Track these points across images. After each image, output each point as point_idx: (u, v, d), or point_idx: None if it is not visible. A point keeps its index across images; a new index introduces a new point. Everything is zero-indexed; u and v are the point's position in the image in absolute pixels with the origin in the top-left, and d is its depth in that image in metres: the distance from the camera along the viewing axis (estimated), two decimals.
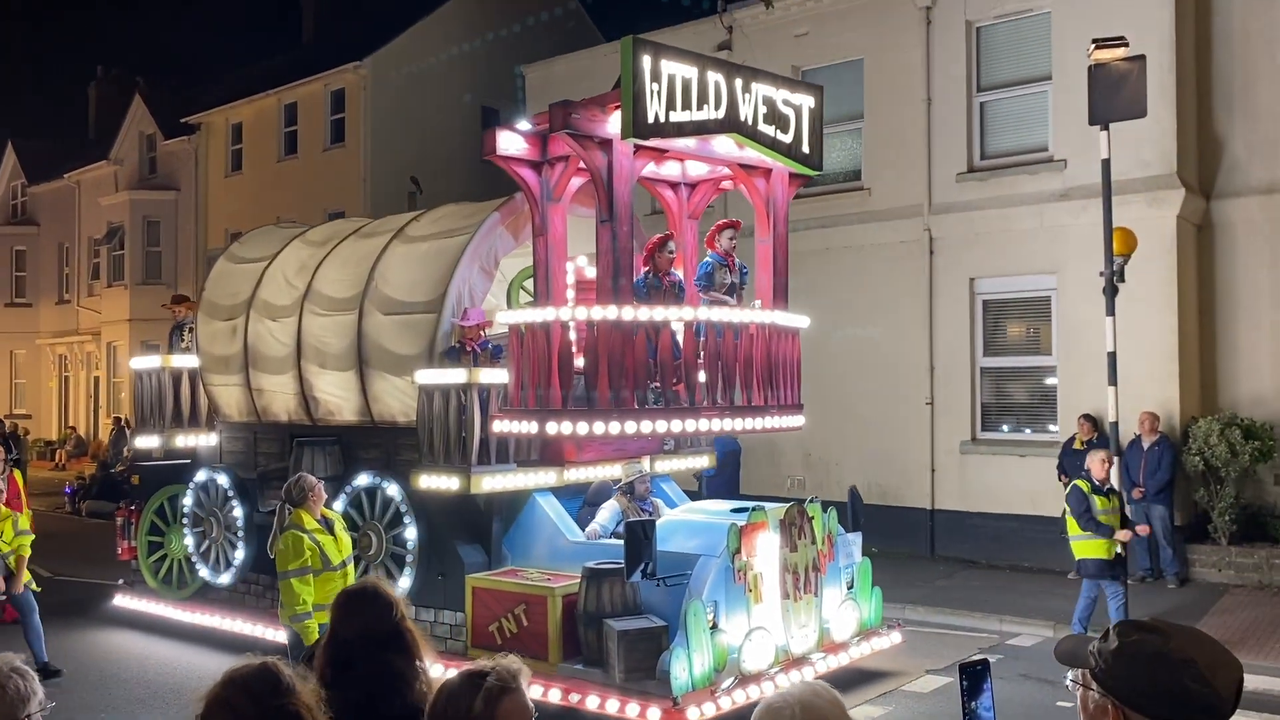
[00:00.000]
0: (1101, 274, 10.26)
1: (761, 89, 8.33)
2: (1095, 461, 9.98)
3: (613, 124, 7.77)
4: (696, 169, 9.43)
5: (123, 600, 11.29)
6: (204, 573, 10.51)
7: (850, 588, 8.80)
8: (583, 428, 7.73)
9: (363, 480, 8.99)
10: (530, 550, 8.66)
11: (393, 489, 8.77)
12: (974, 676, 2.36)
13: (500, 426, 8.19)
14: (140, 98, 30.28)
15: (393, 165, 23.41)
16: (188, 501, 10.64)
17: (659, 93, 7.56)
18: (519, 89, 20.99)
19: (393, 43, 24.16)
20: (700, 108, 7.83)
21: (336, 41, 27.25)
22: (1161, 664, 1.93)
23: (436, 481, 8.35)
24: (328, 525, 7.15)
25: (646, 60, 7.47)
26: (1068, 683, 2.10)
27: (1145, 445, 12.36)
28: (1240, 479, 12.47)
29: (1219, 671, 1.95)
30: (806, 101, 8.72)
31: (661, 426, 7.96)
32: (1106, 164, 10.07)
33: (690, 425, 8.16)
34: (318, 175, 24.98)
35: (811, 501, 8.46)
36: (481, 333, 8.72)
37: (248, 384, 10.41)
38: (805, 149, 8.76)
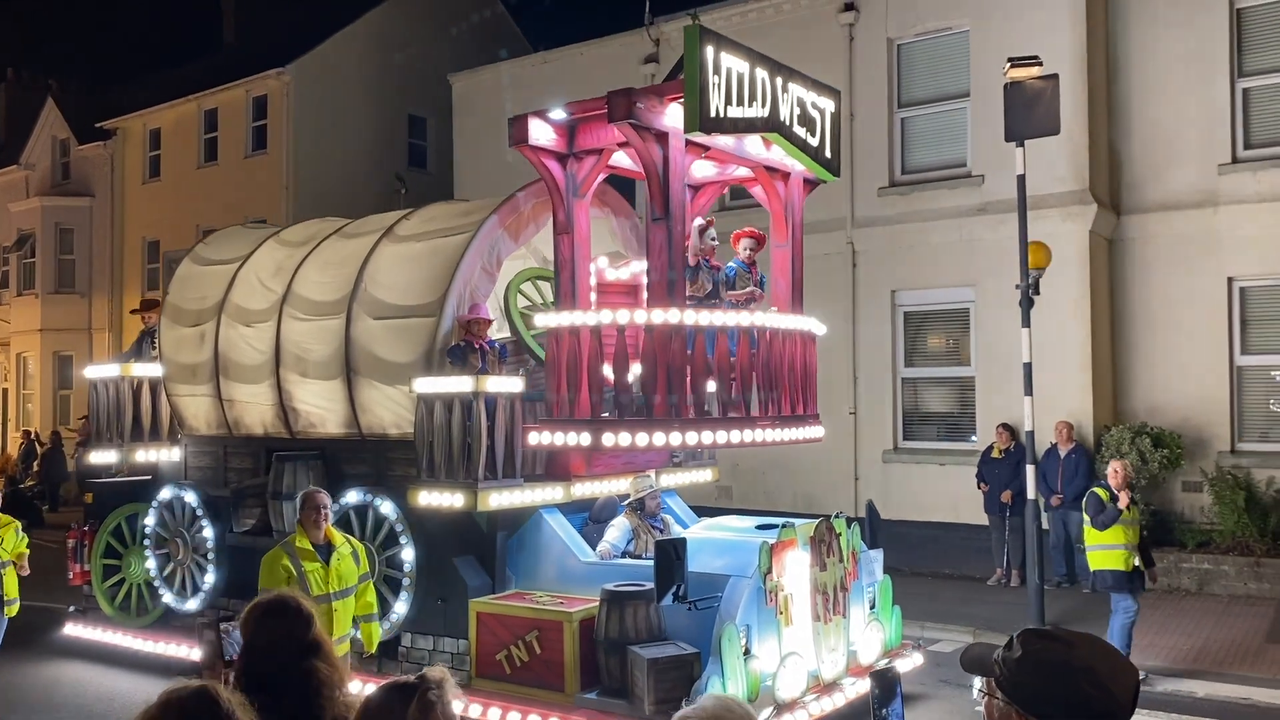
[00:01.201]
0: (1017, 287, 10.53)
1: (795, 89, 7.92)
2: (1110, 470, 9.74)
3: (670, 116, 7.29)
4: (703, 170, 8.97)
5: (74, 629, 10.42)
6: (168, 598, 9.73)
7: (872, 607, 8.37)
8: (642, 439, 7.20)
9: (352, 498, 8.31)
10: (536, 571, 8.07)
11: (386, 506, 8.12)
12: (885, 683, 2.48)
13: (538, 438, 7.60)
14: (53, 101, 29.17)
15: (317, 173, 23.09)
16: (150, 521, 9.85)
17: (719, 86, 7.10)
18: (446, 98, 20.93)
19: (317, 49, 23.73)
20: (750, 104, 7.39)
21: (259, 47, 26.69)
22: (1063, 671, 1.99)
23: (438, 498, 7.72)
24: (324, 552, 6.45)
25: (709, 51, 7.01)
26: (975, 694, 2.15)
27: (1062, 454, 12.77)
28: (1150, 486, 12.82)
29: (1117, 677, 2.00)
30: (829, 105, 8.36)
31: (721, 438, 7.46)
32: (1022, 180, 10.37)
33: (746, 436, 7.67)
34: (239, 183, 24.41)
35: (837, 517, 8.02)
36: (487, 330, 8.14)
37: (218, 394, 9.67)
38: (828, 153, 8.37)
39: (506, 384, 7.81)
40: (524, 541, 8.17)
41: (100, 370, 10.68)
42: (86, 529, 10.59)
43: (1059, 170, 13.21)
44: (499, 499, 7.69)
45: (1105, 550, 9.55)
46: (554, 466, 8.33)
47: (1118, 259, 13.92)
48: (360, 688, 6.44)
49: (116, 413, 10.30)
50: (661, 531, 8.54)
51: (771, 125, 7.72)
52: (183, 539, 9.56)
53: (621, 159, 8.22)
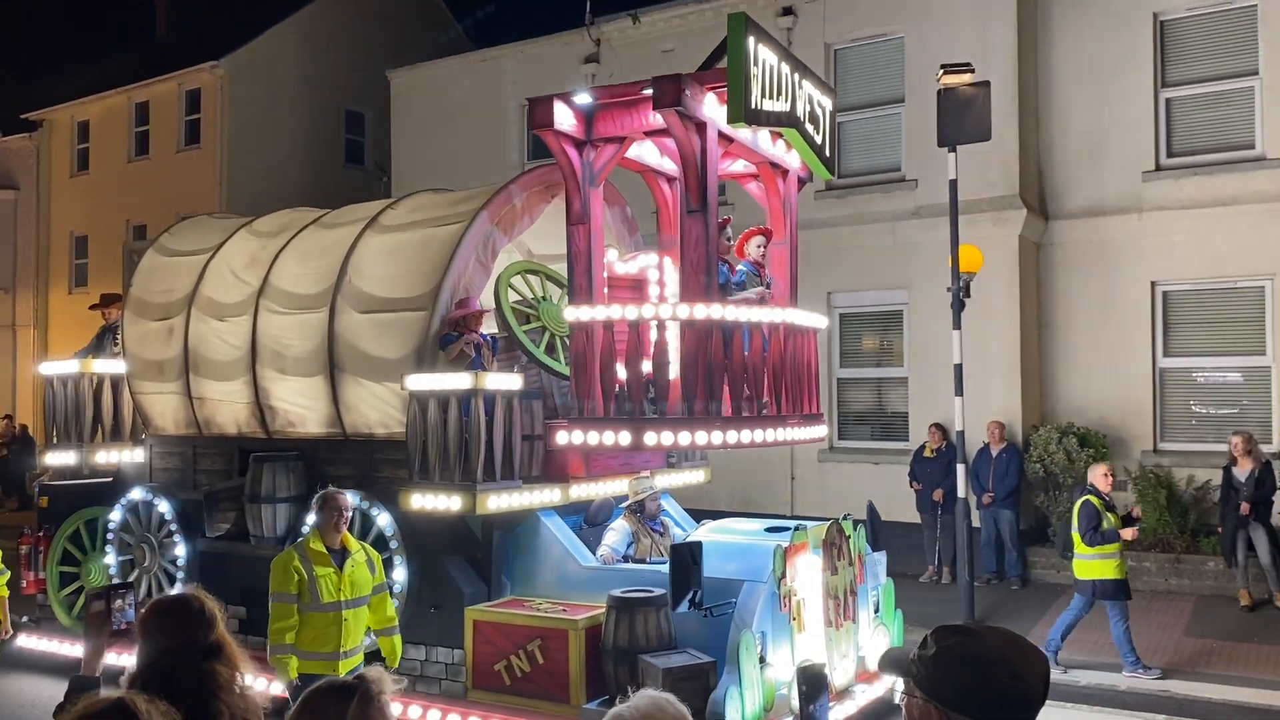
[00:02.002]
0: (949, 289, 10.74)
1: (807, 85, 7.70)
2: (1098, 475, 9.63)
3: (708, 106, 7.00)
4: None
5: (27, 640, 9.83)
6: (130, 609, 9.18)
7: (876, 610, 8.17)
8: (684, 438, 6.89)
9: None
10: (534, 577, 7.72)
11: (374, 511, 7.71)
12: (812, 681, 2.71)
13: (567, 438, 7.25)
14: None
15: (252, 169, 22.67)
16: (113, 526, 9.32)
17: (758, 77, 6.85)
18: (385, 93, 20.77)
19: (252, 43, 23.34)
20: (777, 98, 7.15)
21: (191, 39, 26.18)
22: (977, 664, 2.03)
23: (432, 501, 7.34)
24: (338, 558, 6.06)
25: (751, 42, 6.74)
26: (897, 698, 2.19)
27: (993, 453, 12.90)
28: (1076, 485, 12.97)
29: (1030, 667, 2.04)
30: (828, 104, 8.16)
31: (759, 437, 7.19)
32: (954, 184, 10.66)
33: (780, 435, 7.42)
34: (171, 177, 23.87)
35: (845, 519, 7.79)
36: (480, 324, 7.78)
37: (187, 392, 9.17)
38: (827, 152, 8.17)
39: (506, 381, 7.46)
40: (520, 546, 7.82)
41: (57, 367, 10.10)
42: (41, 534, 10.01)
43: (990, 175, 13.49)
44: (498, 501, 7.33)
45: (1099, 560, 9.44)
46: (550, 467, 7.98)
47: (1046, 263, 14.33)
48: (265, 685, 6.04)
49: (76, 412, 9.74)
50: (662, 534, 8.25)
51: (793, 120, 7.51)
52: (150, 545, 9.05)
53: (630, 150, 7.95)
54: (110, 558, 9.33)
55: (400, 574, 7.54)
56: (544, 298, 9.11)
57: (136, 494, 9.20)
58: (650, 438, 7.03)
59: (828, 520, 7.62)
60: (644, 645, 6.70)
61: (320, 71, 23.88)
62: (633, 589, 6.96)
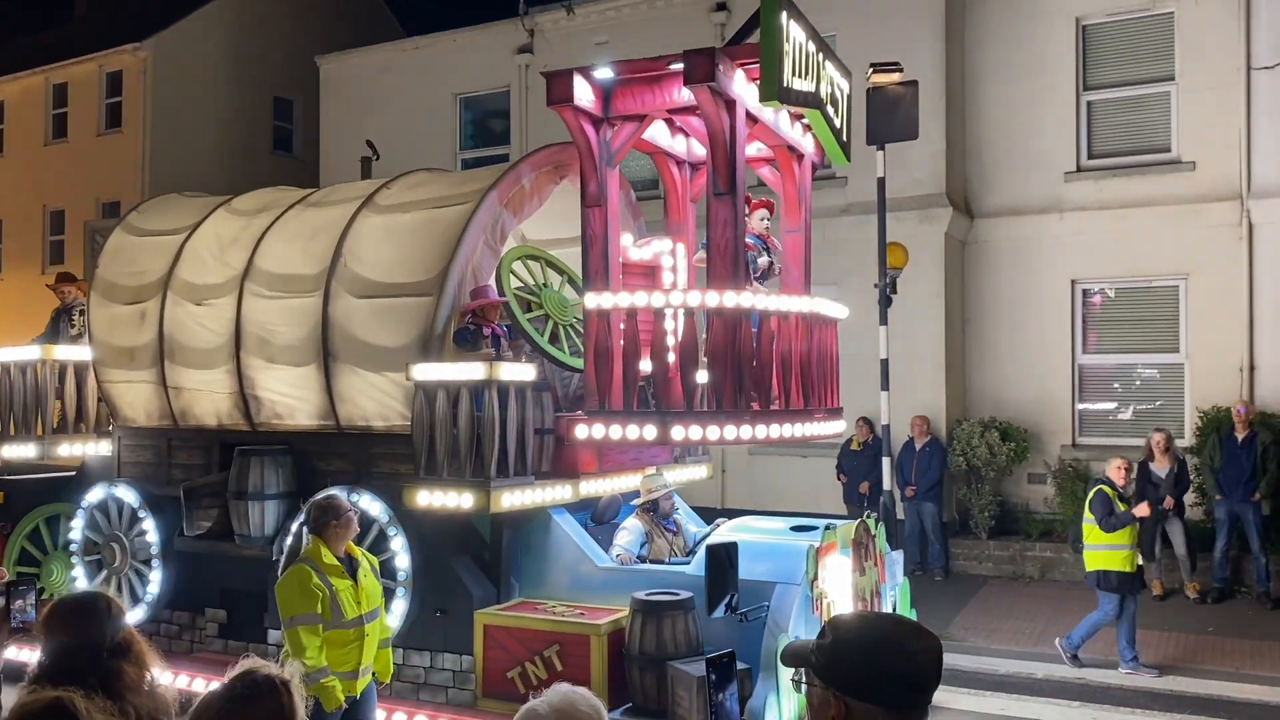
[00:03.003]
0: (876, 285, 11.07)
1: (830, 67, 7.37)
2: (1113, 468, 9.59)
3: (737, 83, 6.63)
4: (701, 149, 8.36)
5: None
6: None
7: (893, 609, 7.91)
8: (713, 433, 6.52)
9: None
10: (544, 578, 7.32)
11: (376, 508, 7.24)
12: (721, 669, 2.86)
13: (585, 433, 6.84)
14: None
15: (176, 154, 22.09)
16: (78, 524, 8.70)
17: (790, 55, 6.48)
18: (314, 80, 20.48)
19: (176, 25, 22.71)
20: (805, 78, 6.80)
21: (113, 20, 25.41)
22: (871, 649, 2.07)
23: (441, 499, 6.89)
24: (350, 567, 5.62)
25: (784, 17, 6.38)
26: (802, 689, 2.19)
27: (918, 447, 13.35)
28: (998, 478, 13.73)
29: (923, 651, 2.08)
30: (846, 86, 7.86)
31: (786, 432, 6.86)
32: (881, 182, 11.03)
33: (808, 430, 7.10)
34: (90, 161, 23.19)
35: (869, 517, 7.51)
36: (497, 314, 7.35)
37: (162, 381, 8.58)
38: (844, 136, 7.86)
39: (520, 371, 7.04)
40: (530, 545, 7.41)
41: (13, 353, 9.41)
42: None
43: (917, 174, 13.80)
44: (511, 499, 6.90)
45: (1110, 550, 9.36)
46: (560, 463, 7.58)
47: (970, 260, 14.76)
48: (171, 679, 5.60)
49: (35, 401, 9.08)
50: (675, 534, 7.90)
51: (817, 101, 7.18)
52: (120, 543, 8.46)
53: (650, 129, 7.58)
54: (74, 557, 8.71)
55: (402, 575, 7.09)
56: (545, 284, 8.70)
57: (105, 489, 8.60)
58: (678, 432, 6.68)
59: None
60: (671, 651, 6.35)
61: (248, 56, 23.31)
62: (655, 591, 6.60)
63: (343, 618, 5.44)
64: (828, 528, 6.94)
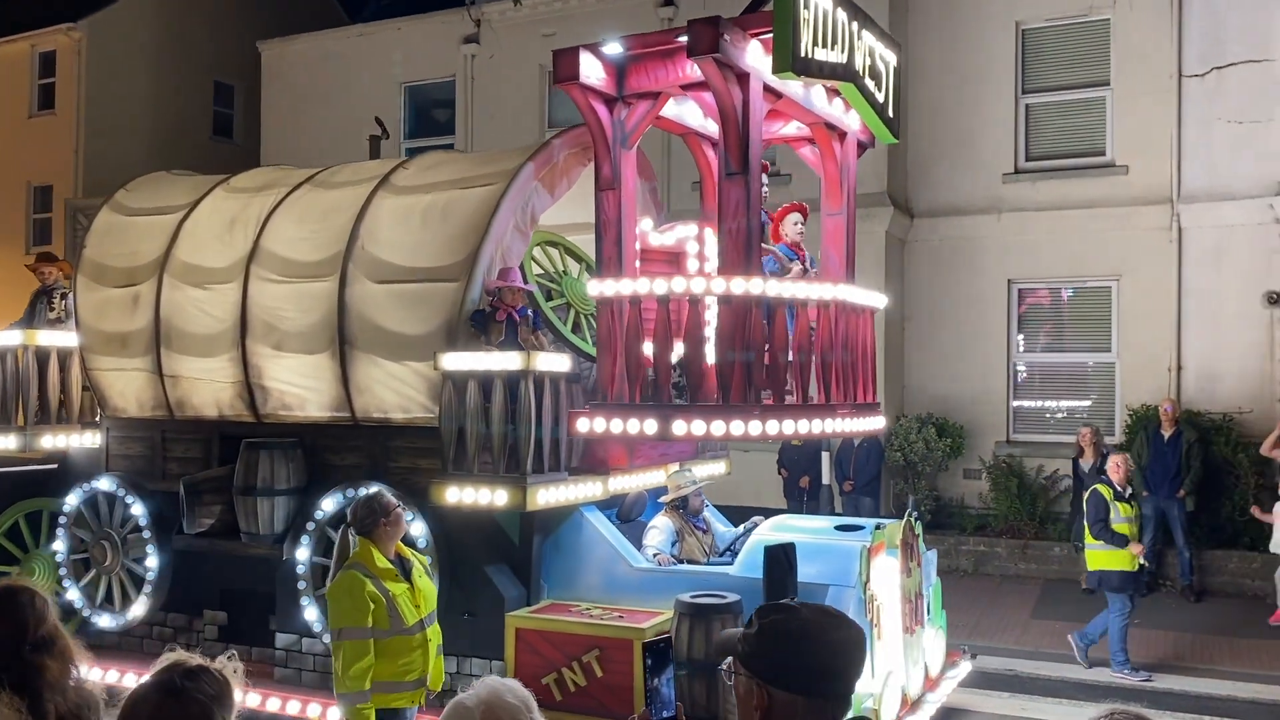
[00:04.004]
0: None
1: (868, 37, 7.03)
2: (1110, 465, 9.47)
3: (751, 55, 6.27)
4: None
5: None
6: (87, 612, 8.10)
7: (928, 611, 7.68)
8: (718, 428, 6.18)
9: (355, 494, 6.98)
10: (576, 579, 6.97)
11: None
12: (657, 654, 2.78)
13: (588, 425, 6.48)
14: None
15: (112, 137, 21.39)
16: (64, 520, 8.18)
17: (809, 22, 6.13)
18: (256, 65, 20.08)
19: (112, 5, 21.91)
20: (832, 47, 6.45)
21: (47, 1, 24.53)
22: (796, 639, 2.11)
23: (473, 495, 6.52)
24: (404, 569, 5.24)
25: None
26: (728, 679, 2.24)
27: (856, 442, 13.24)
28: (934, 473, 13.89)
29: (845, 641, 2.13)
30: (892, 59, 7.50)
31: (803, 428, 6.53)
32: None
33: (827, 426, 6.78)
34: (22, 143, 22.37)
35: (911, 515, 7.25)
36: (519, 299, 6.97)
37: (157, 369, 8.08)
38: (890, 112, 7.55)
39: (556, 362, 6.68)
40: (559, 545, 7.06)
41: None
42: None
43: (859, 172, 13.95)
44: (547, 495, 6.56)
45: (1108, 550, 9.24)
46: (589, 458, 7.24)
47: (910, 259, 14.92)
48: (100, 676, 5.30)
49: (16, 389, 8.52)
50: (705, 532, 7.60)
51: (849, 74, 6.83)
52: (111, 541, 7.96)
53: (666, 108, 7.23)
54: (60, 555, 8.19)
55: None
56: (564, 272, 8.35)
57: (95, 483, 8.09)
58: (679, 427, 6.29)
59: (896, 519, 7.08)
60: (720, 657, 6.04)
61: (187, 40, 22.60)
62: (700, 594, 6.29)
63: (404, 624, 5.06)
64: (878, 527, 6.67)
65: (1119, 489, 9.30)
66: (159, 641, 7.96)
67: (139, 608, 7.88)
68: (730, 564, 6.82)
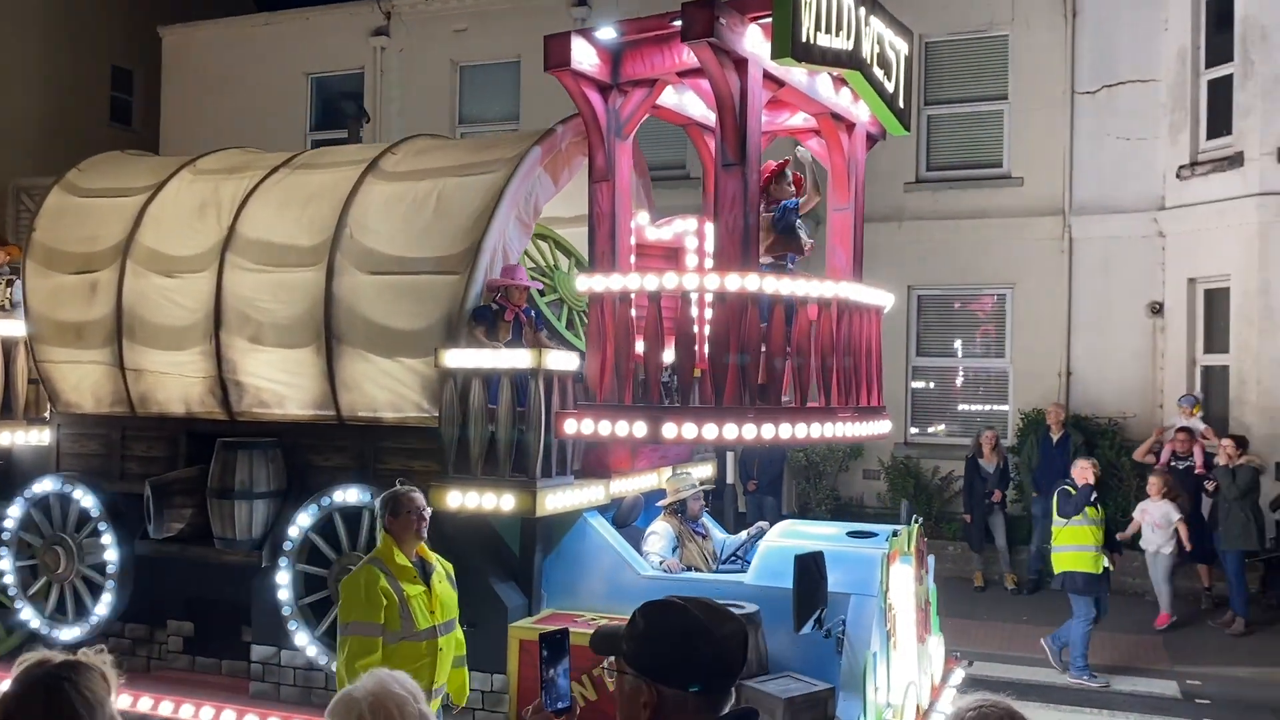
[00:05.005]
0: None
1: (876, 24, 6.83)
2: (1076, 469, 9.60)
3: (750, 39, 6.02)
4: None
5: None
6: (36, 623, 7.53)
7: (933, 617, 7.56)
8: (709, 431, 5.90)
9: (342, 496, 6.57)
10: (577, 587, 6.66)
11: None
12: (554, 645, 2.63)
13: (576, 427, 6.18)
14: None
15: (6, 124, 20.09)
16: (10, 524, 7.59)
17: (811, 6, 5.89)
18: (156, 51, 19.69)
19: None
20: (836, 34, 6.22)
21: None
22: (679, 635, 2.16)
23: (476, 500, 6.17)
24: (424, 571, 4.90)
25: None
26: (608, 677, 2.22)
27: None
28: (835, 474, 14.36)
29: (729, 635, 2.17)
30: (903, 47, 7.31)
31: (800, 432, 6.27)
32: None
33: (826, 431, 6.52)
34: None
35: (917, 521, 7.10)
36: (524, 298, 6.64)
37: (118, 362, 7.53)
38: (900, 103, 7.37)
39: (566, 360, 6.36)
40: (560, 551, 6.74)
41: None
42: None
43: None
44: (555, 500, 6.24)
45: (1075, 551, 9.33)
46: (590, 461, 6.93)
47: (814, 265, 14.98)
48: None
49: None
50: (704, 537, 7.36)
51: (855, 61, 6.60)
52: (66, 547, 7.40)
53: (667, 98, 6.97)
54: (6, 562, 7.60)
55: None
56: (555, 267, 8.03)
57: (45, 484, 7.51)
58: (670, 430, 6.02)
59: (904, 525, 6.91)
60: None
61: (82, 20, 21.35)
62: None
63: (414, 627, 4.74)
64: (894, 534, 6.49)
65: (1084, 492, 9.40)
66: (116, 654, 7.41)
67: (97, 616, 7.32)
68: (740, 571, 6.59)
